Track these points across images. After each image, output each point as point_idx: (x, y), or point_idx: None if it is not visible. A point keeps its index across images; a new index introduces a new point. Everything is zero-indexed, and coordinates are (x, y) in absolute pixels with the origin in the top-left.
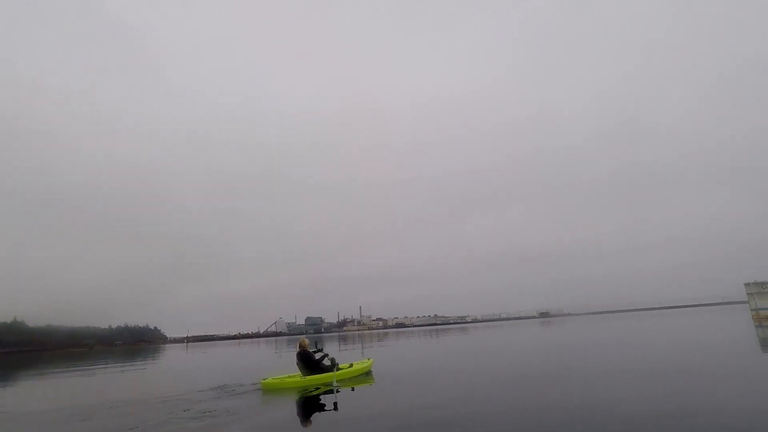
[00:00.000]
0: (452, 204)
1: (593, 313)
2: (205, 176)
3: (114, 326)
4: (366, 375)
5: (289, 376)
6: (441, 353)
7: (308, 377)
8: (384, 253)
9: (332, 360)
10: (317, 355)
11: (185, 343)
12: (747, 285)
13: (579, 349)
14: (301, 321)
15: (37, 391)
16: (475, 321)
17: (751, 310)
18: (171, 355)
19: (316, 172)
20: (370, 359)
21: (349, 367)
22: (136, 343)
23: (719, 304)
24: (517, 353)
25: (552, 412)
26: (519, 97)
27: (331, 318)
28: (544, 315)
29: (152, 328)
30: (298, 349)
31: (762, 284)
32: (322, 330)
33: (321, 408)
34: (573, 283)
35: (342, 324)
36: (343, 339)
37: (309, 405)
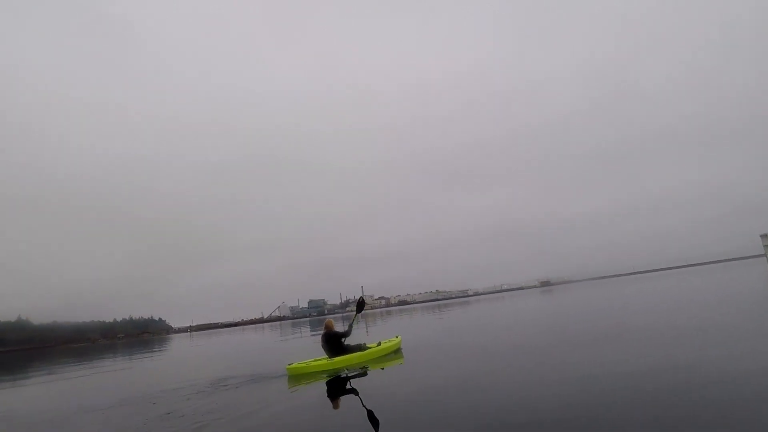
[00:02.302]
0: (445, 180)
1: (595, 279)
2: (200, 164)
3: (119, 319)
4: (395, 353)
5: (315, 360)
6: (458, 327)
7: (335, 359)
8: (381, 232)
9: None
10: (344, 329)
11: (189, 333)
12: (764, 236)
13: (594, 313)
14: (304, 304)
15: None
16: (477, 294)
17: None
18: (176, 345)
19: (310, 156)
20: (398, 336)
21: (377, 345)
22: (139, 334)
23: (733, 259)
24: (532, 322)
25: (597, 380)
26: (505, 72)
27: (333, 300)
28: (545, 284)
29: (157, 319)
30: (323, 331)
31: None
32: (326, 312)
33: (351, 391)
34: (573, 251)
35: (345, 305)
36: (348, 319)
37: (338, 388)
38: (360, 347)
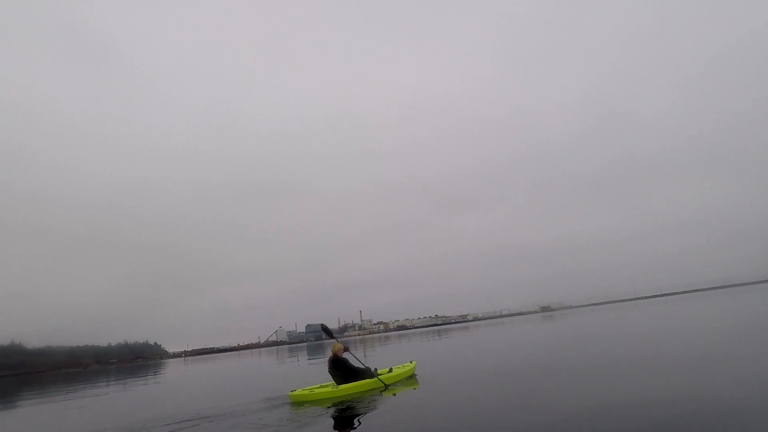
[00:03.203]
0: (441, 204)
1: (597, 304)
2: (196, 188)
3: (114, 343)
4: (408, 380)
5: (319, 387)
6: (468, 351)
7: (342, 386)
8: (379, 256)
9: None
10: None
11: (183, 358)
12: None
13: (607, 338)
14: (302, 329)
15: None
16: (476, 319)
17: None
18: (170, 371)
19: (306, 179)
20: (413, 362)
21: (388, 372)
22: (132, 360)
23: (732, 286)
24: (538, 347)
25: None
26: (502, 96)
27: (332, 324)
28: (545, 309)
29: (152, 343)
30: (330, 356)
31: None
32: (324, 337)
33: (357, 421)
34: (572, 276)
35: (343, 329)
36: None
37: (342, 418)
38: (370, 373)
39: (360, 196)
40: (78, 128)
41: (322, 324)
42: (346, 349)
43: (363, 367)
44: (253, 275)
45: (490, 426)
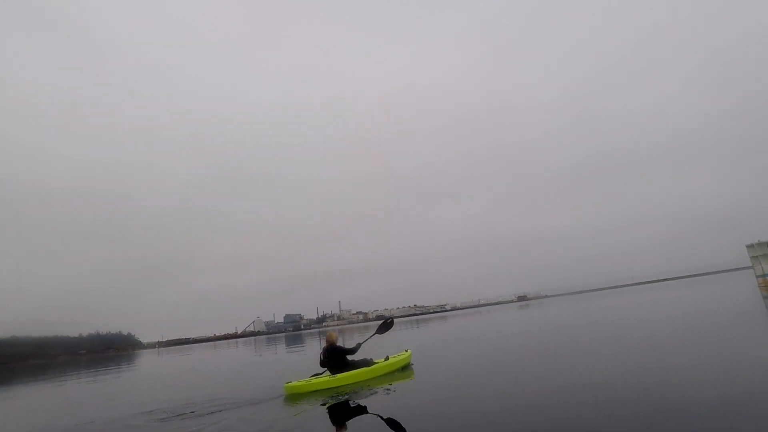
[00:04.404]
0: (420, 194)
1: (572, 293)
2: (174, 176)
3: (85, 334)
4: (404, 369)
5: (315, 377)
6: (456, 340)
7: (338, 376)
8: (357, 246)
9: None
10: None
11: (157, 348)
12: (750, 247)
13: (586, 325)
14: (280, 319)
15: None
16: (455, 309)
17: (757, 276)
18: (143, 363)
19: (284, 169)
20: (408, 350)
21: (384, 360)
22: (103, 351)
23: (715, 273)
24: (522, 334)
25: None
26: (483, 90)
27: (310, 314)
28: (522, 298)
29: (126, 334)
30: (325, 345)
31: None
32: (302, 327)
33: (358, 411)
34: (548, 266)
35: (322, 320)
36: (325, 334)
37: (342, 408)
38: (366, 362)
39: (339, 186)
40: (55, 112)
41: (388, 318)
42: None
43: (356, 346)
44: (230, 264)
45: (492, 415)
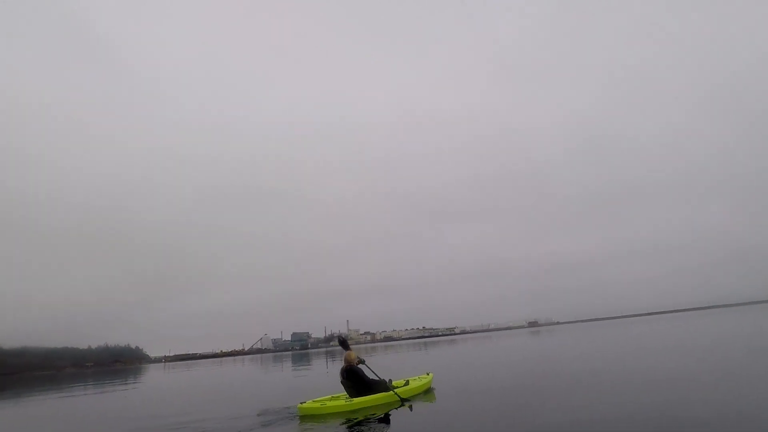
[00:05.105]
0: (432, 217)
1: (584, 321)
2: (185, 191)
3: (93, 346)
4: (425, 393)
5: (331, 398)
6: (474, 364)
7: (356, 400)
8: (368, 266)
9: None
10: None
11: (163, 363)
12: None
13: (608, 354)
14: (287, 337)
15: None
16: (464, 332)
17: None
18: (151, 377)
19: (297, 186)
20: (430, 374)
21: (405, 384)
22: (110, 364)
23: (714, 307)
24: (541, 360)
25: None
26: (493, 114)
27: (318, 333)
28: (533, 324)
29: (133, 347)
30: (343, 365)
31: None
32: (309, 346)
33: None
34: (560, 292)
35: (329, 339)
36: (331, 354)
37: None
38: (385, 386)
39: (350, 205)
40: (66, 126)
41: (339, 336)
42: (361, 361)
43: (378, 378)
44: (240, 280)
45: None
